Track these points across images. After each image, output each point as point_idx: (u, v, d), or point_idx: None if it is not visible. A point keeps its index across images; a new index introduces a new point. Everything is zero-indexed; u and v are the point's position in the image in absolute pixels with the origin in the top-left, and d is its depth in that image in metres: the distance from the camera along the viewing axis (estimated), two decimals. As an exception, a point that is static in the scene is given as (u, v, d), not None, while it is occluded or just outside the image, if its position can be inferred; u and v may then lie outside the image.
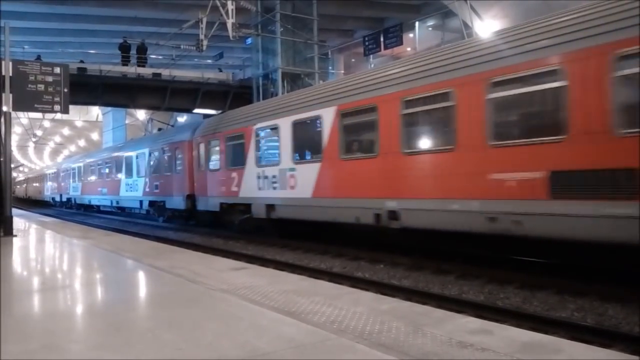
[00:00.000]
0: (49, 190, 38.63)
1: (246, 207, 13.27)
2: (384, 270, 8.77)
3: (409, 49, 24.20)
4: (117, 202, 23.72)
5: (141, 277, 6.64)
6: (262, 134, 12.86)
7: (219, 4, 16.14)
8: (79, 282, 6.33)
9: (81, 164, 29.36)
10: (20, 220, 16.97)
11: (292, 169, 11.49)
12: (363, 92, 9.74)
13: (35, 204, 43.65)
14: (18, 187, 60.33)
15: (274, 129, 12.17)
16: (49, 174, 39.20)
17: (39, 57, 25.03)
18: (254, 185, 12.85)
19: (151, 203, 19.69)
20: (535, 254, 8.34)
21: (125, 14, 27.29)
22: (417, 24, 24.38)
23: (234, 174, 13.79)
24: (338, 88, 10.65)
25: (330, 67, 30.30)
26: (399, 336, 3.49)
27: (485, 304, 6.34)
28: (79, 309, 4.86)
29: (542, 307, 6.21)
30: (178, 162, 17.31)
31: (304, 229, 12.20)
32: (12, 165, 16.03)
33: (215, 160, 15.01)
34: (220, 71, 29.57)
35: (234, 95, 26.41)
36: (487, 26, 18.01)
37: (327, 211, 10.46)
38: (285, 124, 11.73)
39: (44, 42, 31.44)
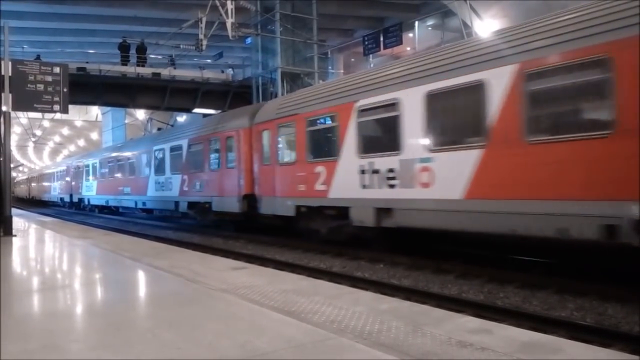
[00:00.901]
0: (57, 190, 35.22)
1: (339, 211, 10.34)
2: (383, 270, 8.77)
3: (408, 48, 24.22)
4: (144, 204, 20.35)
5: (141, 276, 6.64)
6: (368, 112, 9.60)
7: (218, 3, 16.14)
8: (79, 281, 6.33)
9: (97, 160, 26.01)
10: (19, 220, 16.96)
11: (426, 160, 8.39)
12: (581, 38, 6.46)
13: (38, 206, 41.24)
14: (20, 186, 58.87)
15: (392, 104, 9.03)
16: (57, 172, 35.73)
17: (38, 57, 25.02)
18: (353, 182, 9.80)
19: (191, 205, 16.53)
20: (535, 254, 8.34)
21: (125, 13, 27.27)
22: (416, 23, 24.39)
23: (320, 168, 10.72)
24: (521, 38, 7.30)
25: (329, 67, 30.32)
26: (399, 336, 3.49)
27: (485, 303, 6.34)
28: (79, 309, 4.86)
29: (541, 306, 6.21)
30: (231, 154, 14.19)
31: (431, 241, 9.67)
32: (12, 165, 16.02)
33: (288, 151, 11.98)
34: (202, 69, 29.10)
35: (233, 95, 26.43)
36: (486, 26, 18.01)
37: (496, 219, 7.37)
38: (412, 97, 8.63)
39: (43, 41, 31.43)
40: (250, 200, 13.31)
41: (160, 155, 18.70)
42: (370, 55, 23.14)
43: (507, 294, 6.85)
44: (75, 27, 29.80)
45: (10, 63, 11.87)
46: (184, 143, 16.93)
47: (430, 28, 26.44)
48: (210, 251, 10.55)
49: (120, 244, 9.86)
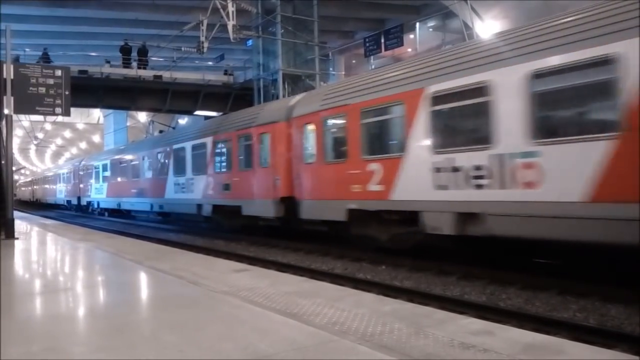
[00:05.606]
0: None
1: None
2: (385, 272, 8.76)
3: (409, 49, 24.23)
4: None
5: (143, 279, 6.65)
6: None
7: (219, 6, 16.18)
8: (81, 284, 6.34)
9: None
10: (22, 223, 16.99)
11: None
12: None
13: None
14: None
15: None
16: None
17: (45, 53, 25.16)
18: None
19: None
20: (537, 254, 8.31)
21: (126, 16, 27.34)
22: (417, 24, 24.40)
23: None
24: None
25: (330, 69, 30.32)
26: (401, 337, 3.49)
27: (487, 305, 6.33)
28: (81, 312, 4.87)
29: (544, 307, 6.19)
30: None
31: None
32: (14, 168, 16.05)
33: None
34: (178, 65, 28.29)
35: (235, 97, 26.45)
36: (488, 27, 18.01)
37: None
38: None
39: (45, 44, 31.45)
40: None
41: None
42: (372, 57, 23.17)
43: (510, 295, 6.84)
44: (77, 30, 29.86)
45: (12, 66, 11.91)
46: None
47: (431, 29, 26.45)
48: (213, 253, 10.54)
49: (122, 246, 9.87)
